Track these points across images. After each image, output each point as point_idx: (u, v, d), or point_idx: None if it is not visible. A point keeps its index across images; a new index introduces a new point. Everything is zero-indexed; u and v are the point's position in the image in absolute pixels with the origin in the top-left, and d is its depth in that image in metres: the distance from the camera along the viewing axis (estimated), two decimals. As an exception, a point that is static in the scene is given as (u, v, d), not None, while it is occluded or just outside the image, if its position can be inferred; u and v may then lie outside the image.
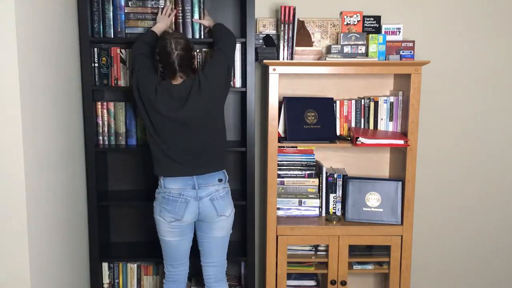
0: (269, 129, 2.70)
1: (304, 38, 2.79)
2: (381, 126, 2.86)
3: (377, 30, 2.89)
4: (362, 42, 2.77)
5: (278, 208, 2.84)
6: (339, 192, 2.89)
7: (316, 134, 2.78)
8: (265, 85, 2.88)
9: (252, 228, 2.86)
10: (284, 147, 2.85)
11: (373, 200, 2.81)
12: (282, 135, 2.83)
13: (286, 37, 2.70)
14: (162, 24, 2.65)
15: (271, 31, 2.88)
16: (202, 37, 2.75)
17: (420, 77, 2.66)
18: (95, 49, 2.74)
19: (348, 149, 3.02)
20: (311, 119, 2.79)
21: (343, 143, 2.76)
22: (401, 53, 2.79)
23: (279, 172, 2.85)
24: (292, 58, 2.70)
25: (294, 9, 2.68)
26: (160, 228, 2.47)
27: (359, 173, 3.02)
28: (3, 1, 1.90)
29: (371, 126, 2.87)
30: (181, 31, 2.74)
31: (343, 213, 2.89)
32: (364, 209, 2.82)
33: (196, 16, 2.73)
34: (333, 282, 2.80)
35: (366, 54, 2.77)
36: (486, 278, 3.24)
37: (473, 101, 3.07)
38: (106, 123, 2.81)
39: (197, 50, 2.79)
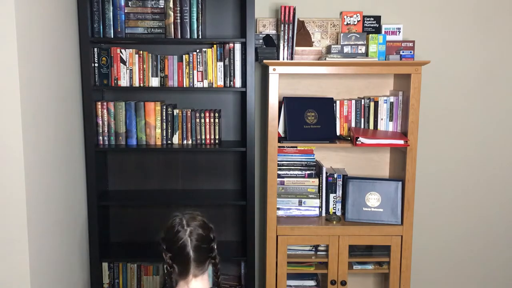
0: (269, 129, 2.70)
1: (304, 38, 2.79)
2: (381, 126, 2.86)
3: (377, 30, 2.89)
4: (362, 42, 2.77)
5: (278, 208, 2.84)
6: (339, 192, 2.89)
7: (316, 134, 2.77)
8: (265, 85, 2.87)
9: (252, 228, 2.86)
10: (284, 147, 2.85)
11: (373, 200, 2.81)
12: (282, 135, 2.83)
13: (286, 37, 2.70)
14: None
15: (271, 31, 2.88)
16: (201, 37, 2.75)
17: (420, 77, 2.66)
18: (95, 49, 2.74)
19: (348, 149, 3.02)
20: (311, 119, 2.79)
21: (343, 143, 2.76)
22: (401, 53, 2.79)
23: (279, 172, 2.85)
24: (292, 58, 2.70)
25: (294, 9, 2.68)
26: None
27: (359, 173, 3.02)
28: (3, 1, 1.91)
29: (371, 126, 2.87)
30: (179, 31, 2.73)
31: (343, 213, 2.89)
32: (364, 209, 2.82)
33: (195, 15, 2.72)
34: (333, 282, 2.80)
35: (366, 54, 2.77)
36: (486, 278, 3.24)
37: (473, 101, 3.08)
38: (106, 123, 2.81)
39: (197, 50, 2.79)
